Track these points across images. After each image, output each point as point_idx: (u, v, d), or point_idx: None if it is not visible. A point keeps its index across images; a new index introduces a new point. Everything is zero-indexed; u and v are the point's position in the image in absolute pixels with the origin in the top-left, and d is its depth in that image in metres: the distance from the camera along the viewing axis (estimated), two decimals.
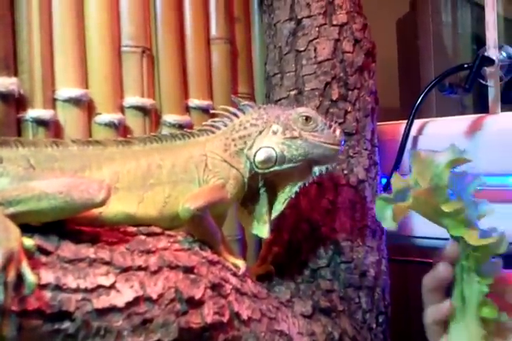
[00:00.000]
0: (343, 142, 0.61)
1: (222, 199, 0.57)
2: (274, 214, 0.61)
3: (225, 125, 0.61)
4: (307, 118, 0.59)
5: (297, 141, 0.59)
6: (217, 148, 0.59)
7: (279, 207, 0.61)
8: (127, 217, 0.52)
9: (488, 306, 0.48)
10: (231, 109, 0.61)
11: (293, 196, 0.60)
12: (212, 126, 0.61)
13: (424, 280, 0.51)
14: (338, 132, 0.60)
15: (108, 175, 0.53)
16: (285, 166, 0.59)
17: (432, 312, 0.51)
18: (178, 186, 0.56)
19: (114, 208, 0.51)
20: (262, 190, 0.61)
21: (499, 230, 0.49)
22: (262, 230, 0.61)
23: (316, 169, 0.60)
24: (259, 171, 0.59)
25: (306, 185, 0.60)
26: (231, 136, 0.60)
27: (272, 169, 0.59)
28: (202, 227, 0.55)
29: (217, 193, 0.57)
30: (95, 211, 0.49)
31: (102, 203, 0.46)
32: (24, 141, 0.51)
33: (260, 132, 0.60)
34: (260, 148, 0.59)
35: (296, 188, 0.60)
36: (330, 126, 0.60)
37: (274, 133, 0.59)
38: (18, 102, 0.64)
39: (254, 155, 0.59)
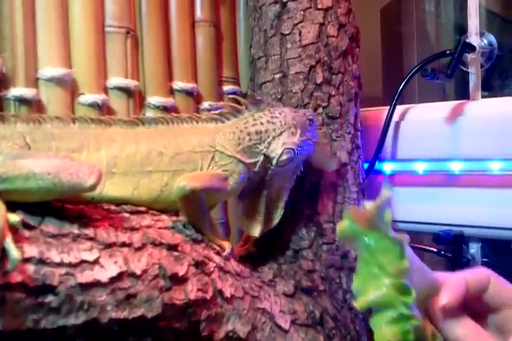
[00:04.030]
0: None
1: (220, 189, 0.56)
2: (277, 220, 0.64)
3: (235, 116, 0.60)
4: (310, 121, 0.62)
5: (307, 142, 0.61)
6: (229, 142, 0.58)
7: (279, 211, 0.64)
8: (120, 202, 0.52)
9: None
10: (242, 100, 0.61)
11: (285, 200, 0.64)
12: (221, 115, 0.60)
13: None
14: None
15: (105, 159, 0.52)
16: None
17: None
18: (178, 175, 0.55)
19: (108, 193, 0.51)
20: (265, 188, 0.62)
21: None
22: (254, 228, 0.62)
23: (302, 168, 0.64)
24: (275, 166, 0.60)
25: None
26: (245, 129, 0.59)
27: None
28: (192, 208, 0.54)
29: (217, 182, 0.56)
30: (88, 196, 0.49)
31: (91, 188, 0.44)
32: (23, 117, 0.50)
33: (281, 132, 0.60)
34: (285, 149, 0.59)
35: (287, 192, 0.64)
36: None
37: (293, 134, 0.60)
38: (0, 80, 0.63)
39: (280, 155, 0.59)
